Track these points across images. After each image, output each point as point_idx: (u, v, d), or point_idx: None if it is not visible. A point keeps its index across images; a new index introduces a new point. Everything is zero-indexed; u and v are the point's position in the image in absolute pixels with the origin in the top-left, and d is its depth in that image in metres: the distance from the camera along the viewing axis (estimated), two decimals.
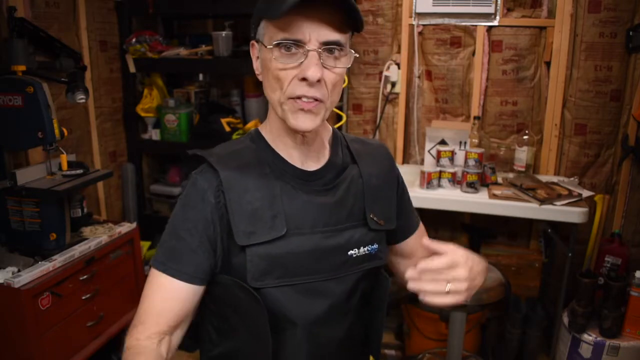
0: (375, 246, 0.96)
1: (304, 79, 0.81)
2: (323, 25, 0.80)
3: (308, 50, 0.80)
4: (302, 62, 0.80)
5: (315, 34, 0.79)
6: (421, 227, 1.11)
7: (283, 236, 0.86)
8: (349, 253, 0.93)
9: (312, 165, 0.93)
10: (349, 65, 0.87)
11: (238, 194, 0.86)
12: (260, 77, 0.90)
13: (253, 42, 0.89)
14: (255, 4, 0.87)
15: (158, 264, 0.87)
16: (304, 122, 0.84)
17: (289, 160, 0.91)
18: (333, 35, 0.81)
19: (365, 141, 1.05)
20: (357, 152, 0.99)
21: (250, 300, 0.86)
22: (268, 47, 0.82)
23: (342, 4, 0.79)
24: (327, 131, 0.99)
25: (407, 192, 1.09)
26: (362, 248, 0.94)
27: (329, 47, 0.81)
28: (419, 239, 1.05)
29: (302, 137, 0.91)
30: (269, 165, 0.90)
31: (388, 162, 1.04)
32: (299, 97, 0.82)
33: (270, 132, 0.93)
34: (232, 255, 0.87)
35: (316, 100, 0.83)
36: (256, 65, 0.90)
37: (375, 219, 0.96)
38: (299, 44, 0.80)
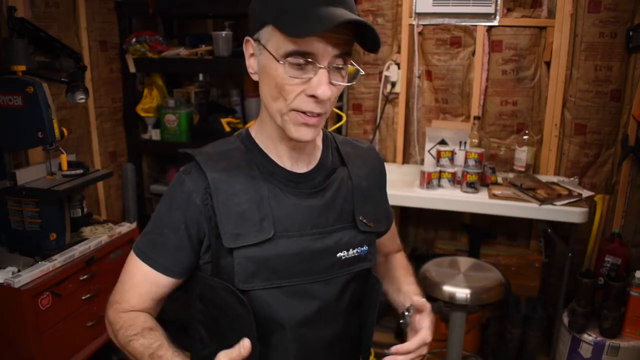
0: (365, 248, 0.97)
1: (312, 96, 0.81)
2: (337, 43, 0.79)
3: (319, 68, 0.79)
4: (311, 79, 0.80)
5: (327, 51, 0.79)
6: (392, 223, 1.15)
7: (271, 239, 0.86)
8: (338, 255, 0.93)
9: (303, 167, 0.93)
10: (354, 83, 0.88)
11: (225, 196, 0.86)
12: (254, 77, 0.88)
13: (248, 38, 0.87)
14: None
15: (139, 252, 0.93)
16: (306, 134, 0.85)
17: (279, 162, 0.91)
18: (343, 48, 0.80)
19: (355, 143, 1.05)
20: (346, 155, 0.99)
21: (237, 303, 0.86)
22: (275, 56, 0.79)
23: (366, 29, 0.78)
24: (319, 133, 0.99)
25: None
26: (351, 250, 0.94)
27: (336, 65, 0.81)
28: (390, 234, 1.13)
29: (295, 142, 0.90)
30: (258, 167, 0.90)
31: (378, 164, 1.05)
32: (303, 112, 0.82)
33: (261, 133, 0.93)
34: (220, 257, 0.88)
35: (319, 114, 0.84)
36: (250, 63, 0.88)
37: (364, 221, 0.96)
38: (310, 59, 0.79)
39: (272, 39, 0.80)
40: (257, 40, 0.84)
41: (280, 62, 0.79)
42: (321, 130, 1.00)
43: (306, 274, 0.90)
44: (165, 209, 0.92)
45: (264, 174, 0.90)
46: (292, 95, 0.81)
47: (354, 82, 0.87)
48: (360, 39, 0.82)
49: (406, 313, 1.01)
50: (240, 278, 0.85)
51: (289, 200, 0.89)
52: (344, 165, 0.98)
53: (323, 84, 0.79)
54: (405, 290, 1.07)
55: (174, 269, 0.91)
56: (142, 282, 0.92)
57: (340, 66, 0.82)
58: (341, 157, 0.99)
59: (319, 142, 0.98)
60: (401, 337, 2.55)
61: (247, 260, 0.86)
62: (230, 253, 0.86)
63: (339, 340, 0.98)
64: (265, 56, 0.82)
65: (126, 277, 0.95)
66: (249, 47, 0.87)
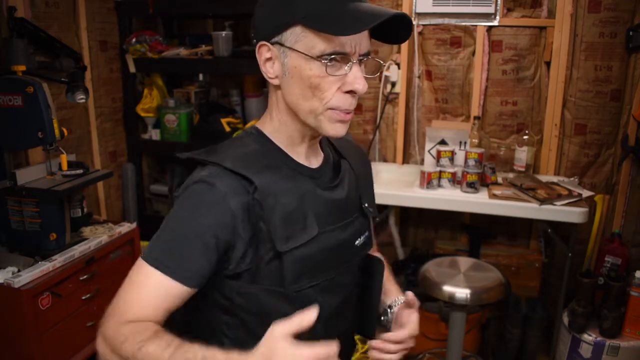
0: (367, 233, 1.02)
1: (350, 91, 0.83)
2: (365, 37, 0.82)
3: (353, 63, 0.81)
4: (345, 74, 0.82)
5: (359, 46, 0.81)
6: None
7: (315, 236, 0.87)
8: (356, 243, 0.97)
9: (315, 163, 0.95)
10: (377, 75, 0.92)
11: (274, 199, 0.84)
12: (275, 81, 0.87)
13: (263, 43, 0.85)
14: (264, 4, 0.84)
15: (153, 261, 0.82)
16: (342, 130, 0.87)
17: (297, 159, 0.92)
18: (369, 46, 0.84)
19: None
20: (341, 148, 1.03)
21: (287, 306, 0.84)
22: (311, 57, 0.80)
23: (407, 23, 0.81)
24: None
25: None
26: (362, 236, 0.99)
27: (362, 57, 0.83)
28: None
29: (314, 138, 0.92)
30: (286, 165, 0.90)
31: (363, 154, 1.11)
32: (339, 108, 0.84)
33: (276, 131, 0.91)
34: (262, 262, 0.85)
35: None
36: (267, 68, 0.86)
37: (370, 208, 1.01)
38: (344, 56, 0.81)
39: (303, 39, 0.80)
40: (279, 44, 0.83)
41: (317, 61, 0.80)
42: None
43: (337, 266, 0.92)
44: (188, 214, 0.84)
45: (294, 172, 0.90)
46: (329, 94, 0.82)
47: (378, 74, 0.91)
48: (384, 33, 0.84)
49: (389, 310, 1.04)
50: (290, 280, 0.85)
51: (321, 195, 0.91)
52: (342, 158, 1.01)
53: (359, 78, 0.82)
54: (387, 287, 1.08)
55: (195, 277, 0.83)
56: (154, 292, 0.82)
57: (365, 59, 0.84)
58: (336, 150, 1.02)
59: None
60: None
61: (296, 261, 0.85)
62: (277, 256, 0.84)
63: (352, 325, 1.02)
64: (294, 58, 0.82)
65: (132, 288, 0.83)
66: (264, 51, 0.85)
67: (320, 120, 0.85)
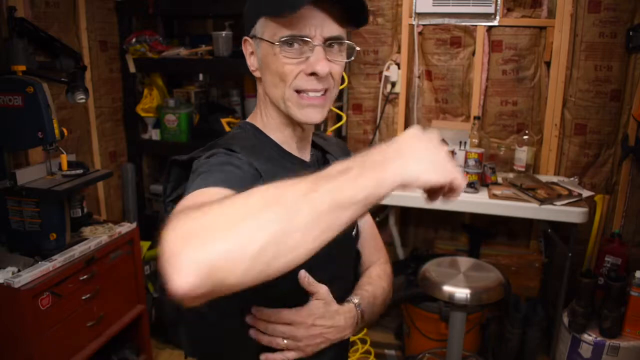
0: (357, 223, 1.03)
1: (312, 74, 0.82)
2: (327, 21, 0.82)
3: (314, 46, 0.81)
4: (308, 57, 0.82)
5: (320, 29, 0.81)
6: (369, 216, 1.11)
7: None
8: (352, 234, 0.99)
9: (306, 157, 0.96)
10: (353, 58, 0.90)
11: None
12: (256, 74, 0.90)
13: (246, 38, 0.89)
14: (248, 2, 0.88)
15: (203, 184, 0.70)
16: (314, 115, 0.85)
17: (292, 152, 0.93)
18: (336, 30, 0.83)
19: (321, 135, 1.09)
20: (322, 144, 1.03)
21: (303, 295, 0.84)
22: (272, 43, 0.82)
23: (354, 1, 0.81)
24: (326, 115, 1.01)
25: None
26: (355, 228, 1.01)
27: (331, 41, 0.83)
28: (368, 225, 1.09)
29: (301, 130, 0.92)
30: (284, 158, 0.90)
31: (345, 149, 1.11)
32: (305, 92, 0.84)
33: (266, 125, 0.92)
34: None
35: (324, 91, 0.85)
36: (251, 61, 0.90)
37: None
38: (305, 39, 0.81)
39: (267, 29, 0.83)
40: (254, 37, 0.87)
41: (277, 44, 0.81)
42: None
43: (339, 259, 0.92)
44: (224, 158, 0.78)
45: (292, 165, 0.90)
46: (292, 76, 0.83)
47: (353, 58, 0.89)
48: (349, 16, 0.83)
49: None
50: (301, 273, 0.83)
51: None
52: (327, 153, 1.02)
53: (321, 60, 0.81)
54: (360, 284, 1.02)
55: None
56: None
57: (335, 42, 0.84)
58: (320, 146, 1.03)
59: None
60: (401, 338, 2.55)
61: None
62: None
63: None
64: (263, 47, 0.85)
65: (192, 195, 0.69)
66: (247, 46, 0.90)
67: (289, 106, 0.85)
